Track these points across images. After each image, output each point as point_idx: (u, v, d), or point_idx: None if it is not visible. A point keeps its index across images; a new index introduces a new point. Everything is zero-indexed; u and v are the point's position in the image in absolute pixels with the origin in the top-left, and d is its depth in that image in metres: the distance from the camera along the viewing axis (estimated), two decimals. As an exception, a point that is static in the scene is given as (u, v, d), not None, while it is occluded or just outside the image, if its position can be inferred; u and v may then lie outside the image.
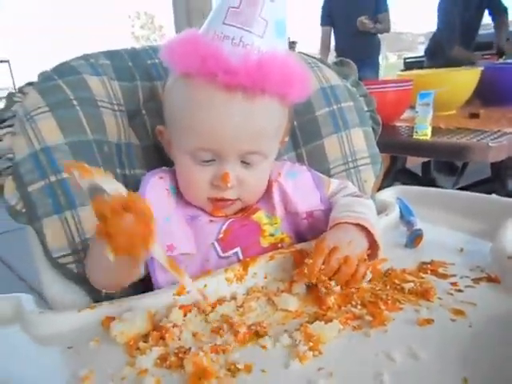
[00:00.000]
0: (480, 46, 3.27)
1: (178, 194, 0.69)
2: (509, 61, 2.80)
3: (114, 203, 0.47)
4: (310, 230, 0.71)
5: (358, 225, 0.62)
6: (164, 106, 0.67)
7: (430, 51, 3.46)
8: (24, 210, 0.67)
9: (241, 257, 0.66)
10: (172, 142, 0.67)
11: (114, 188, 0.49)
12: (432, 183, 2.69)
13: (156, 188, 0.67)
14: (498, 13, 3.24)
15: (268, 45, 0.59)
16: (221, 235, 0.66)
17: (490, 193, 2.01)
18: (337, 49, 3.48)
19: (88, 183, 0.48)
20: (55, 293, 0.67)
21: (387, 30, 3.35)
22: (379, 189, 0.95)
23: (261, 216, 0.69)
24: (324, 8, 3.36)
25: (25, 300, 0.62)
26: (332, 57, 3.64)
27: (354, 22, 3.17)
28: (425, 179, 2.74)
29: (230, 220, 0.68)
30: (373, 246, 0.63)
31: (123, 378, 0.46)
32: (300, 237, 0.71)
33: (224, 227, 0.67)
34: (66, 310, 0.61)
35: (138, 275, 0.59)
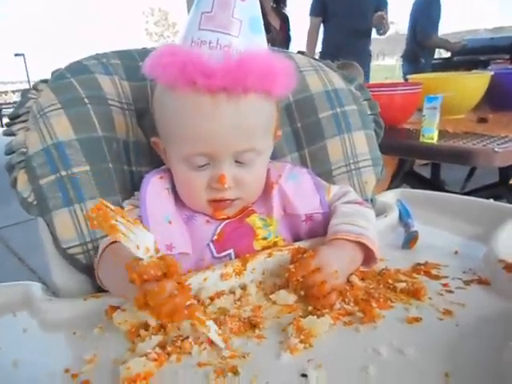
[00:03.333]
0: (495, 49, 3.24)
1: (176, 193, 0.70)
2: None
3: (154, 271, 0.45)
4: (308, 233, 0.72)
5: (357, 242, 0.63)
6: (155, 118, 0.68)
7: (409, 54, 3.55)
8: (35, 203, 0.69)
9: (234, 258, 0.67)
10: (166, 151, 0.68)
11: (140, 248, 0.46)
12: (440, 186, 2.68)
13: (156, 187, 0.68)
14: None
15: (245, 43, 0.59)
16: (215, 237, 0.68)
17: (497, 197, 2.00)
18: (327, 45, 3.20)
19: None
20: (62, 281, 0.70)
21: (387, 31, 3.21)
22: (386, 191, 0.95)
23: (254, 219, 0.69)
24: None
25: (33, 288, 0.64)
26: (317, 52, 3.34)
27: (354, 19, 2.91)
28: (433, 182, 2.72)
29: (225, 222, 0.69)
30: (370, 257, 0.64)
31: (124, 362, 0.48)
32: (297, 239, 0.72)
33: (219, 229, 0.68)
34: (72, 297, 0.64)
35: None
